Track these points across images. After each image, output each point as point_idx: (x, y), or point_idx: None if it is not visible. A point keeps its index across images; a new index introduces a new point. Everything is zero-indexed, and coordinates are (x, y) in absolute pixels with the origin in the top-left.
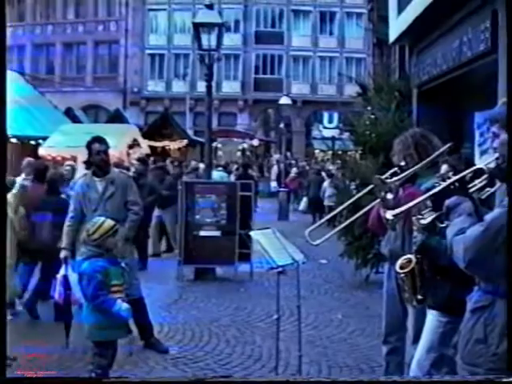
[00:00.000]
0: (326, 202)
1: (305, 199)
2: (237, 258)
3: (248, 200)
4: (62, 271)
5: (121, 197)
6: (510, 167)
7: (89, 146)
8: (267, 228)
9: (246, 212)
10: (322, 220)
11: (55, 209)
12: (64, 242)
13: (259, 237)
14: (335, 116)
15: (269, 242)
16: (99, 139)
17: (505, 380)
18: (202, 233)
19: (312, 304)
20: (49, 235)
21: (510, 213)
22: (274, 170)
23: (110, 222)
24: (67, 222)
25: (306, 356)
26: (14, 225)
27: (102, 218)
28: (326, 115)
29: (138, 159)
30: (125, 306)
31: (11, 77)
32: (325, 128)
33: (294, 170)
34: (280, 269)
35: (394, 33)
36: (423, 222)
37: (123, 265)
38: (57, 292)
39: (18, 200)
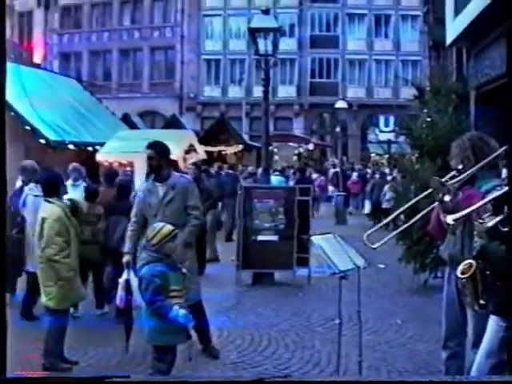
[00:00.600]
0: (385, 205)
1: (368, 202)
2: (295, 262)
3: (306, 204)
4: (124, 275)
5: (181, 202)
6: (510, 167)
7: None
8: (327, 233)
9: (304, 216)
10: (380, 224)
11: (126, 213)
12: (126, 246)
13: (320, 242)
14: (391, 119)
15: (330, 247)
16: (149, 144)
17: (506, 380)
18: (260, 237)
19: (371, 309)
20: (120, 239)
21: (510, 212)
22: (330, 174)
23: (168, 228)
24: (130, 227)
25: (365, 361)
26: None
27: (161, 224)
28: (381, 119)
29: (193, 164)
30: (182, 312)
31: (69, 83)
32: (381, 131)
33: (354, 174)
34: (342, 274)
35: (450, 35)
36: (485, 225)
37: (183, 270)
38: (118, 296)
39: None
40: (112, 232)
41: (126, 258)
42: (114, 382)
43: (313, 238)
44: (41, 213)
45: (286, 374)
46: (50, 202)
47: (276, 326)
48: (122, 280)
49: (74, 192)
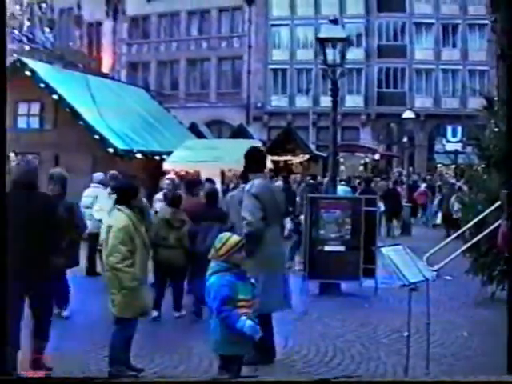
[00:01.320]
0: (455, 216)
1: (439, 213)
2: (361, 273)
3: (372, 215)
4: None
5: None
6: (510, 166)
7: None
8: (397, 244)
9: (370, 227)
10: (441, 244)
11: (218, 220)
12: None
13: (390, 253)
14: (459, 129)
15: (400, 259)
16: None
17: (505, 380)
18: (327, 248)
19: (438, 321)
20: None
21: (510, 219)
22: (380, 184)
23: (235, 238)
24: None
25: (432, 373)
26: None
27: (228, 234)
28: (449, 129)
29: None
30: (248, 323)
31: (137, 93)
32: (448, 142)
33: (423, 185)
34: (412, 286)
35: None
36: None
37: (252, 280)
38: None
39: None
40: (202, 238)
41: None
42: (112, 382)
43: (383, 250)
44: (109, 220)
45: (349, 375)
46: (119, 209)
47: (342, 337)
48: None
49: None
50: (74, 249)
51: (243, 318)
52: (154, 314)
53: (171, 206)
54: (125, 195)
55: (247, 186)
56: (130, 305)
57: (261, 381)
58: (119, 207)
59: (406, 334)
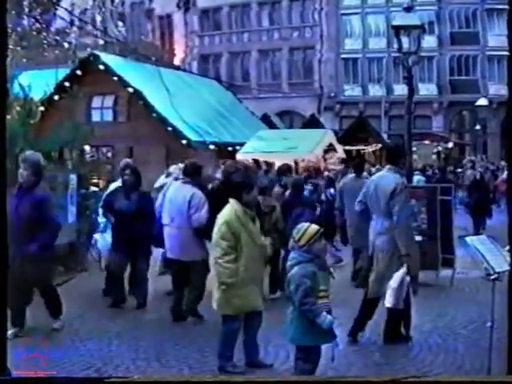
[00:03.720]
0: None
1: None
2: (440, 263)
3: (448, 204)
4: None
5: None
6: (510, 165)
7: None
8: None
9: (446, 216)
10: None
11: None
12: None
13: (475, 242)
14: None
15: (485, 248)
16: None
17: (505, 380)
18: None
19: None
20: None
21: (510, 214)
22: (468, 174)
23: (314, 227)
24: None
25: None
26: None
27: (307, 224)
28: None
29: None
30: (329, 319)
31: (210, 84)
32: None
33: (505, 174)
34: (496, 275)
35: None
36: None
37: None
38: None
39: None
40: (293, 223)
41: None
42: (113, 382)
43: (467, 239)
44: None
45: (421, 374)
46: (230, 203)
47: (419, 327)
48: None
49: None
50: None
51: (324, 313)
52: None
53: (260, 194)
54: (236, 189)
55: (398, 179)
56: (228, 302)
57: (261, 381)
58: (230, 200)
59: (489, 324)
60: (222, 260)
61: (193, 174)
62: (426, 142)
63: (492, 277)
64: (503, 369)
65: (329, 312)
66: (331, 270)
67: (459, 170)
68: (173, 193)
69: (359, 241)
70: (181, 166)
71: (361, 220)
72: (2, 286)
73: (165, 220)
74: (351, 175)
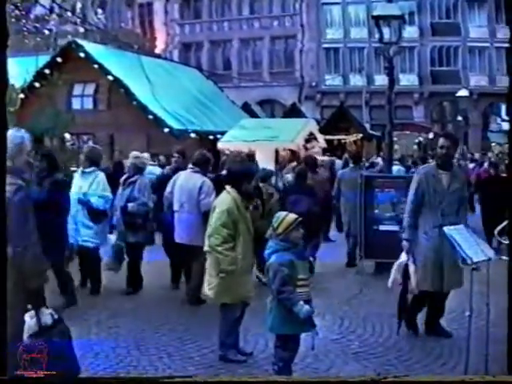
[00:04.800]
0: None
1: None
2: None
3: None
4: (402, 258)
5: (461, 192)
6: (510, 164)
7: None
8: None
9: None
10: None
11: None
12: (406, 233)
13: (453, 232)
14: None
15: (463, 238)
16: (446, 135)
17: (505, 380)
18: (382, 227)
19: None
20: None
21: (510, 215)
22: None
23: (292, 216)
24: (407, 214)
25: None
26: None
27: (285, 213)
28: (503, 107)
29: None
30: (305, 309)
31: (190, 73)
32: (503, 121)
33: (485, 164)
34: (474, 265)
35: None
36: None
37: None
38: (392, 278)
39: None
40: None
41: (405, 243)
42: (115, 383)
43: (445, 229)
44: (215, 200)
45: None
46: (227, 191)
47: None
48: (398, 262)
49: (84, 181)
50: None
51: (301, 302)
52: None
53: (261, 181)
54: (235, 178)
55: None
56: (227, 290)
57: (262, 380)
58: (227, 189)
59: (467, 313)
60: (222, 248)
61: (202, 164)
62: (407, 132)
63: (469, 266)
64: (481, 358)
65: (309, 301)
66: (311, 260)
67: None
68: (183, 180)
69: (352, 228)
70: (134, 153)
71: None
72: (2, 288)
73: (175, 206)
74: (350, 165)
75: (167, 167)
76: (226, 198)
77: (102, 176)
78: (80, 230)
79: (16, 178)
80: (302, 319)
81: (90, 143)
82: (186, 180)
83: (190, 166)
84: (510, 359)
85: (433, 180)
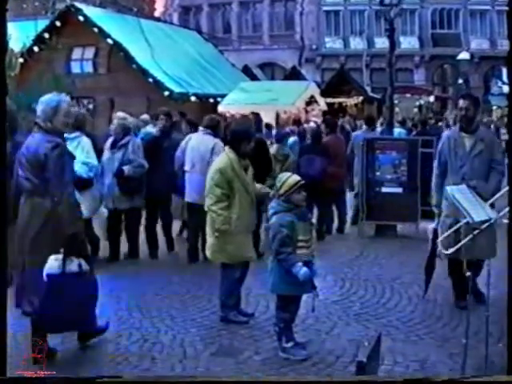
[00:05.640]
0: None
1: None
2: (420, 215)
3: (429, 157)
4: (433, 224)
5: (488, 155)
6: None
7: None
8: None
9: (427, 169)
10: (503, 191)
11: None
12: (434, 199)
13: (455, 192)
14: None
15: (464, 198)
16: (464, 96)
17: (505, 380)
18: (384, 189)
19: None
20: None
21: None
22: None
23: (294, 178)
24: (434, 179)
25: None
26: None
27: (288, 174)
28: (504, 70)
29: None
30: (304, 270)
31: (190, 36)
32: (504, 83)
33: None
34: (475, 225)
35: None
36: None
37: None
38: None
39: None
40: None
41: (434, 208)
42: (112, 382)
43: (447, 188)
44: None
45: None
46: (225, 152)
47: (399, 279)
48: (430, 227)
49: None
50: None
51: (300, 263)
52: None
53: (277, 142)
54: (233, 138)
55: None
56: (221, 249)
57: (261, 380)
58: (226, 149)
59: (468, 274)
60: (216, 207)
61: (213, 127)
62: (408, 95)
63: (471, 225)
64: (481, 316)
65: (309, 263)
66: (312, 221)
67: (440, 123)
68: (195, 142)
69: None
70: (120, 114)
71: None
72: (2, 288)
73: (186, 167)
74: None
75: (154, 129)
76: (222, 158)
77: (86, 141)
78: None
79: (54, 137)
80: (301, 281)
81: (91, 107)
82: (198, 142)
83: (201, 128)
84: (510, 359)
85: (454, 144)
